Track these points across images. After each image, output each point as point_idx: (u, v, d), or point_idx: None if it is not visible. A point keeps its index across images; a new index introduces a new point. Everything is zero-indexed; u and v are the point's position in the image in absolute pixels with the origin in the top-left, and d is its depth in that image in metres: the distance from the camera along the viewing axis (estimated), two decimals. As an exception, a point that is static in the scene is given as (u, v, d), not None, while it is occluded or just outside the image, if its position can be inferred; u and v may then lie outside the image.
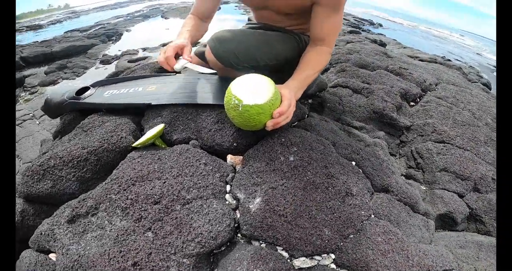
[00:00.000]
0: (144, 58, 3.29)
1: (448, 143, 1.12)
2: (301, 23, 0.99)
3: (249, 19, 1.36)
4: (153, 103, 0.83)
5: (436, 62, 2.51)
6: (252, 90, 0.64)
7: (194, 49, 1.08)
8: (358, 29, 4.50)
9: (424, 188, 1.00)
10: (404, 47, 3.81)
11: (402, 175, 1.07)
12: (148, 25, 5.96)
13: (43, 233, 0.58)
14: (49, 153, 0.73)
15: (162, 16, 6.99)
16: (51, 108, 0.97)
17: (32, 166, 0.68)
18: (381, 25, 8.55)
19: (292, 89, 0.76)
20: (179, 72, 1.02)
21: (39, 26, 8.33)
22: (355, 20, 7.46)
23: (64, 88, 0.97)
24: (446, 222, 0.91)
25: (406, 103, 1.35)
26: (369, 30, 5.81)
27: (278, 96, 0.67)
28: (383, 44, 3.12)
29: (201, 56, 1.13)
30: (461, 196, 0.96)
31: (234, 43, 0.85)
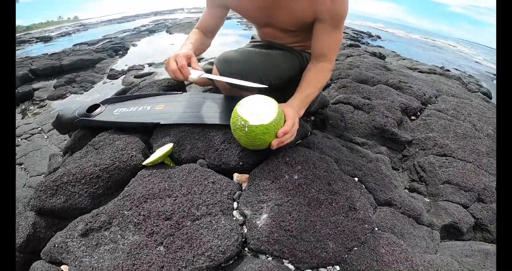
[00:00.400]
0: (150, 73, 3.37)
1: (450, 156, 1.14)
2: (303, 40, 1.03)
3: (252, 37, 1.42)
4: (161, 122, 0.86)
5: (435, 73, 2.55)
6: (257, 111, 0.68)
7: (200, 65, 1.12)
8: (357, 42, 4.60)
9: (428, 200, 1.01)
10: (403, 59, 3.88)
11: (405, 188, 1.09)
12: (153, 40, 6.13)
13: (56, 245, 0.59)
14: (61, 169, 0.76)
15: (167, 31, 7.21)
16: (62, 124, 1.00)
17: (46, 181, 0.71)
18: (379, 37, 8.74)
19: (295, 108, 0.79)
20: (185, 87, 1.06)
21: (49, 38, 8.62)
22: (354, 33, 7.63)
23: (75, 105, 1.01)
24: (451, 232, 0.91)
25: (407, 117, 1.38)
26: (368, 43, 5.93)
27: (282, 116, 0.71)
28: (382, 57, 3.18)
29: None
30: (465, 206, 0.97)
31: (240, 64, 0.88)
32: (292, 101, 0.84)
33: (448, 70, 3.33)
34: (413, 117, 1.41)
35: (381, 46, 5.45)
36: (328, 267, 0.59)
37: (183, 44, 0.95)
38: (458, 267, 0.66)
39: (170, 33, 6.87)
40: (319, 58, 0.92)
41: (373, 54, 3.02)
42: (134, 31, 7.51)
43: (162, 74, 3.37)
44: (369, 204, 0.74)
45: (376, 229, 0.68)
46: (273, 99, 0.72)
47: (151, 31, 7.26)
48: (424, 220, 0.83)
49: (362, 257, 0.60)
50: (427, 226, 0.83)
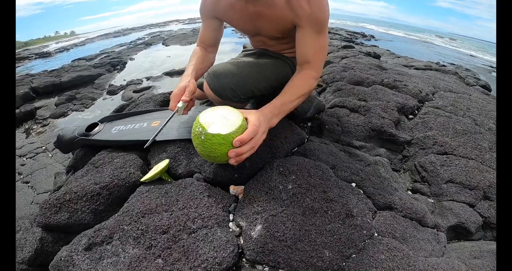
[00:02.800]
0: (148, 88, 3.39)
1: (451, 154, 1.11)
2: (293, 46, 1.04)
3: (244, 47, 1.44)
4: (157, 139, 0.88)
5: (431, 69, 2.54)
6: (218, 121, 0.65)
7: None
8: (351, 43, 4.61)
9: (432, 201, 0.98)
10: (398, 57, 3.87)
11: (408, 189, 1.06)
12: (150, 53, 6.20)
13: (62, 258, 0.62)
14: (64, 188, 0.79)
15: (163, 43, 7.30)
16: (63, 145, 1.03)
17: (50, 199, 0.75)
18: (373, 37, 8.75)
19: (266, 114, 0.73)
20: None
21: (48, 54, 8.78)
22: (348, 34, 7.65)
23: (75, 125, 1.03)
24: (460, 233, 0.88)
25: (404, 117, 1.36)
26: (362, 43, 5.93)
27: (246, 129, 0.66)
28: (377, 56, 3.19)
29: (200, 87, 1.20)
30: (471, 205, 0.94)
31: (229, 78, 0.89)
32: (265, 107, 0.77)
33: (444, 65, 3.31)
34: (410, 116, 1.40)
35: (375, 46, 5.45)
36: (325, 275, 0.59)
37: (186, 67, 0.95)
38: (465, 270, 0.64)
39: (166, 45, 6.94)
40: (303, 65, 0.88)
41: (368, 54, 3.03)
42: (131, 45, 7.59)
43: (160, 88, 3.40)
44: (367, 209, 0.73)
45: (376, 234, 0.68)
46: (239, 112, 0.69)
47: (148, 44, 7.33)
48: (428, 221, 0.81)
49: (361, 264, 0.59)
50: (432, 227, 0.80)
